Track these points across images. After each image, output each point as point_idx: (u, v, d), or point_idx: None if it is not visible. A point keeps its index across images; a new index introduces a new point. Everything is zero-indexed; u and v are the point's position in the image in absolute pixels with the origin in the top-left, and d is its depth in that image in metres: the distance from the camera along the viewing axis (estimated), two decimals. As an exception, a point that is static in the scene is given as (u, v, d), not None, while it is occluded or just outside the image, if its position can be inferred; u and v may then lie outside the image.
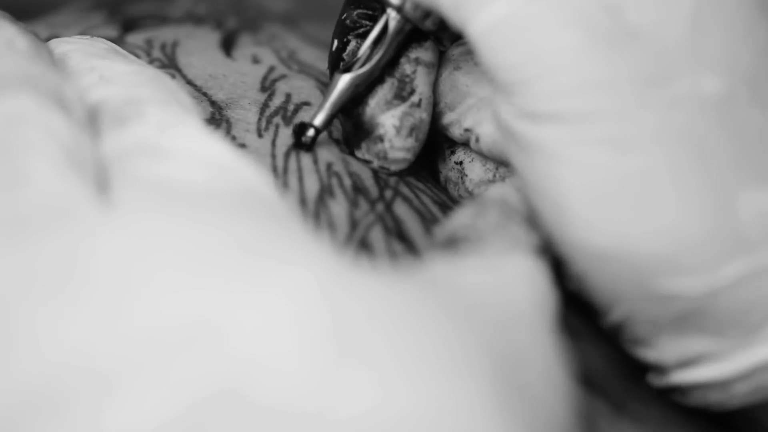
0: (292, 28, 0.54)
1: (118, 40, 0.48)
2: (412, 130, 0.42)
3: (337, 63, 0.42)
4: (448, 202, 0.44)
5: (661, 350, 0.36)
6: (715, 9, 0.34)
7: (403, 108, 0.41)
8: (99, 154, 0.32)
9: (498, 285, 0.30)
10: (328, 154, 0.42)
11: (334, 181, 0.41)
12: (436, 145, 0.45)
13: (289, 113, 0.44)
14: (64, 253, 0.26)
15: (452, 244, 0.33)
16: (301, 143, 0.41)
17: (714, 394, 0.36)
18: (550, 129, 0.34)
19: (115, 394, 0.23)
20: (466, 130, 0.42)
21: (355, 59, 0.41)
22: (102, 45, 0.37)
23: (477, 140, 0.42)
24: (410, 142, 0.42)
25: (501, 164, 0.43)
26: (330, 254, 0.27)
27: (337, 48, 0.42)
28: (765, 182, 0.34)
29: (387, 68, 0.42)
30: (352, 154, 0.43)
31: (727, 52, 0.34)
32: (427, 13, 0.40)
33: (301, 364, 0.24)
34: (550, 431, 0.27)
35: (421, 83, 0.42)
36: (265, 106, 0.44)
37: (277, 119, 0.44)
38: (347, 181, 0.41)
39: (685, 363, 0.36)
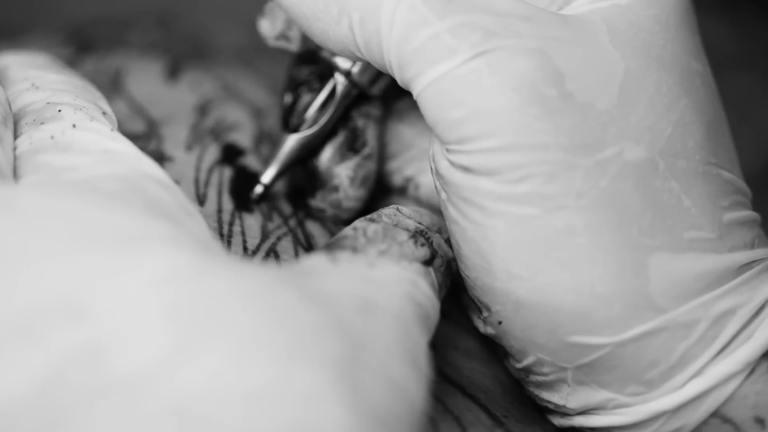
0: (240, 60, 0.57)
1: (72, 59, 0.50)
2: (364, 180, 0.43)
3: (288, 118, 0.43)
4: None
5: (565, 397, 0.38)
6: (639, 83, 0.36)
7: (356, 160, 0.43)
8: (18, 150, 0.34)
9: (369, 279, 0.32)
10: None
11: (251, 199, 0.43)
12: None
13: (218, 132, 0.47)
14: None
15: (334, 248, 0.34)
16: (249, 199, 0.43)
17: None
18: (483, 183, 0.35)
19: None
20: (407, 178, 0.44)
21: (302, 120, 0.43)
22: (41, 59, 0.40)
23: (417, 188, 0.44)
24: (362, 192, 0.43)
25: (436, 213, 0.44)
26: (199, 244, 0.29)
27: (290, 102, 0.43)
28: (675, 251, 0.36)
29: (340, 121, 0.43)
30: (303, 203, 0.44)
31: (649, 125, 0.36)
32: (374, 79, 0.42)
33: (151, 337, 0.26)
34: (400, 413, 0.28)
35: (371, 136, 0.44)
36: (196, 125, 0.47)
37: (207, 138, 0.46)
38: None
39: (586, 411, 0.38)
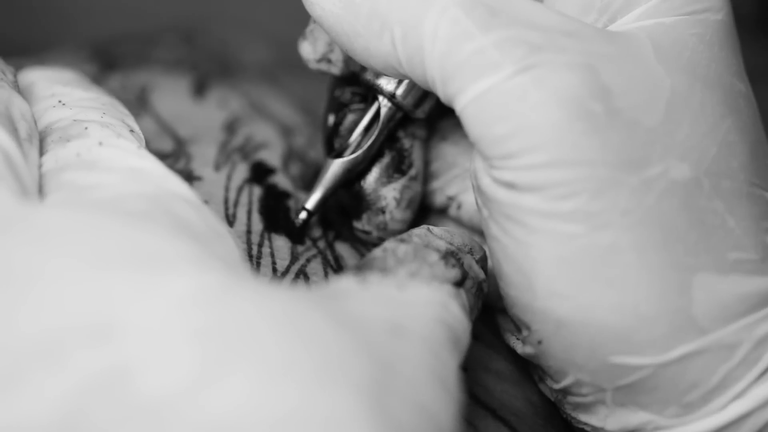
0: (266, 77, 0.57)
1: (97, 76, 0.50)
2: (410, 202, 0.43)
3: (332, 140, 0.43)
4: None
5: (603, 419, 0.38)
6: (685, 102, 0.36)
7: (403, 181, 0.42)
8: (41, 167, 0.34)
9: (399, 301, 0.32)
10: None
11: (282, 219, 0.43)
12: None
13: (247, 151, 0.46)
14: None
15: (363, 269, 0.34)
16: (294, 226, 0.42)
17: None
18: (527, 199, 0.35)
19: (14, 384, 0.25)
20: (449, 197, 0.44)
21: (346, 144, 0.42)
22: (68, 75, 0.39)
23: (459, 207, 0.43)
24: (407, 214, 0.43)
25: (475, 233, 0.44)
26: (226, 266, 0.29)
27: (335, 123, 0.43)
28: (719, 272, 0.35)
29: (386, 142, 0.43)
30: (349, 225, 0.44)
31: (694, 144, 0.35)
32: (418, 101, 0.41)
33: (178, 360, 0.25)
34: None
35: (417, 157, 0.43)
36: (225, 143, 0.46)
37: (235, 156, 0.45)
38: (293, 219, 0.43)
39: None
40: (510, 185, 0.35)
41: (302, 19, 0.43)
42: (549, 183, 0.34)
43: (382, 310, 0.30)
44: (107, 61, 0.53)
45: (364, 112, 0.42)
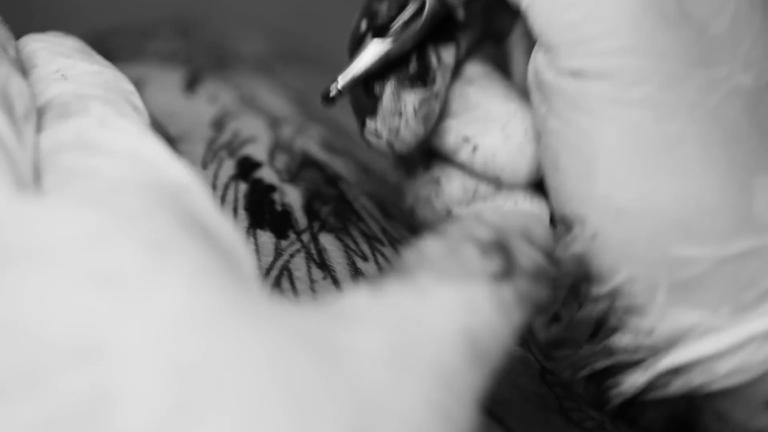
0: (262, 69, 0.57)
1: (91, 71, 0.50)
2: (426, 118, 0.41)
3: (356, 43, 0.41)
4: (378, 236, 0.45)
5: (655, 319, 0.37)
6: (747, 16, 0.37)
7: (424, 93, 0.41)
8: (38, 145, 0.32)
9: (413, 313, 0.29)
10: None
11: (267, 213, 0.43)
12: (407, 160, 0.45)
13: (234, 147, 0.46)
14: None
15: (382, 276, 0.32)
16: (325, 97, 0.40)
17: (698, 376, 0.37)
18: (595, 86, 0.35)
19: None
20: (465, 138, 0.42)
21: (390, 24, 0.41)
22: (71, 43, 0.38)
23: (474, 150, 0.42)
24: (421, 129, 0.41)
25: (486, 183, 0.42)
26: (226, 281, 0.28)
27: (366, 27, 0.41)
28: None
29: (414, 52, 0.41)
30: (361, 123, 0.42)
31: (756, 57, 0.37)
32: (464, 2, 0.41)
33: (153, 393, 0.25)
34: None
35: (440, 79, 0.42)
36: (212, 141, 0.47)
37: (222, 153, 0.46)
38: (278, 212, 0.43)
39: (675, 339, 0.37)
40: (578, 73, 0.36)
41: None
42: (620, 69, 0.35)
43: (385, 335, 0.28)
44: (102, 54, 0.53)
45: (403, 10, 0.41)
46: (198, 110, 0.49)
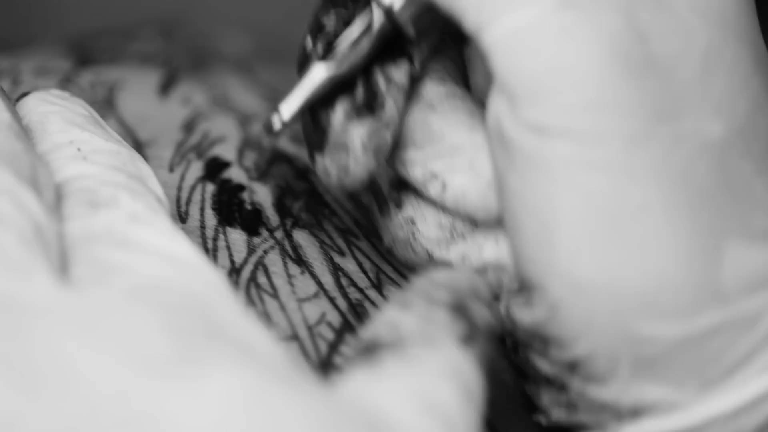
0: (240, 68, 0.57)
1: (71, 73, 0.51)
2: (377, 151, 0.39)
3: (305, 62, 0.39)
4: (352, 229, 0.46)
5: (616, 392, 0.36)
6: (719, 55, 0.34)
7: (372, 124, 0.39)
8: (64, 233, 0.32)
9: (418, 388, 0.30)
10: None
11: (236, 212, 0.43)
12: (377, 198, 0.44)
13: (202, 148, 0.47)
14: (13, 330, 0.27)
15: (372, 350, 0.32)
16: (268, 129, 0.39)
17: None
18: (557, 145, 0.33)
19: None
20: (432, 174, 0.40)
21: (332, 54, 0.38)
22: (81, 110, 0.38)
23: (443, 188, 0.40)
24: (372, 162, 0.39)
25: (461, 220, 0.41)
26: (270, 359, 0.28)
27: (311, 45, 0.39)
28: (746, 239, 0.34)
29: (361, 77, 0.39)
30: (311, 157, 0.40)
31: (728, 99, 0.34)
32: (413, 20, 0.38)
33: None
34: None
35: (390, 103, 0.40)
36: (181, 143, 0.47)
37: (190, 155, 0.46)
38: (248, 211, 0.43)
39: (638, 411, 0.36)
40: (538, 128, 0.34)
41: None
42: (582, 127, 0.33)
43: (411, 399, 0.29)
44: (81, 58, 0.54)
45: (350, 28, 0.39)
46: (170, 113, 0.49)
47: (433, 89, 0.41)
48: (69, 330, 0.28)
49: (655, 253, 0.34)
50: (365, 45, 0.38)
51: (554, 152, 0.33)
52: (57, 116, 0.37)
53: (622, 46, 0.33)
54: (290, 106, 0.38)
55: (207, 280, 0.32)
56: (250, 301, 0.39)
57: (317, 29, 0.39)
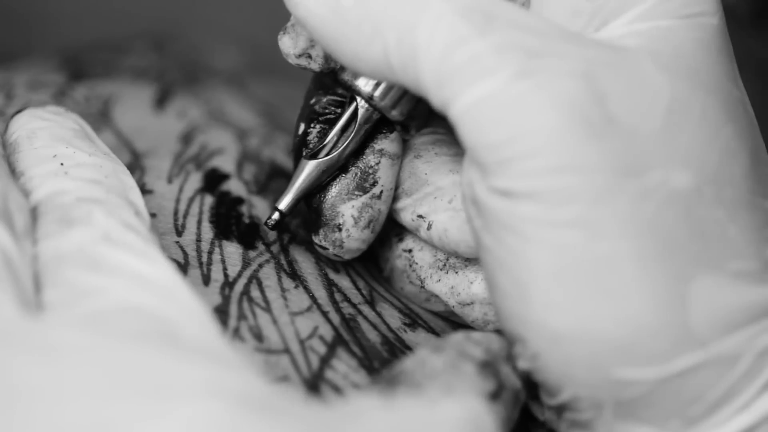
0: (233, 83, 0.58)
1: (65, 87, 0.51)
2: (370, 222, 0.42)
3: (302, 147, 0.42)
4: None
5: None
6: (685, 108, 0.35)
7: (363, 199, 0.42)
8: (38, 254, 0.33)
9: (425, 423, 0.31)
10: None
11: (234, 225, 0.43)
12: (382, 234, 0.46)
13: (201, 160, 0.47)
14: None
15: (392, 384, 0.33)
16: (267, 225, 0.42)
17: None
18: (524, 207, 0.34)
19: None
20: (419, 216, 0.43)
21: (321, 146, 0.42)
22: (71, 125, 0.39)
23: (429, 227, 0.42)
24: (366, 234, 0.43)
25: (454, 255, 0.43)
26: (239, 386, 0.29)
27: (303, 132, 0.43)
28: (720, 282, 0.35)
29: (352, 158, 0.42)
30: (310, 238, 0.43)
31: (696, 150, 0.35)
32: (395, 103, 0.41)
33: None
34: None
35: (384, 175, 0.43)
36: (179, 155, 0.47)
37: (189, 166, 0.46)
38: (246, 225, 0.44)
39: None
40: (506, 193, 0.35)
41: (275, 22, 0.43)
42: (546, 190, 0.34)
43: None
44: (75, 70, 0.54)
45: (337, 119, 0.42)
46: (167, 125, 0.49)
47: (420, 137, 0.44)
48: (33, 359, 0.28)
49: (625, 303, 0.34)
50: (351, 134, 0.42)
51: (523, 214, 0.34)
52: (45, 132, 0.38)
53: (581, 109, 0.34)
54: (285, 201, 0.42)
55: (179, 302, 0.32)
56: (241, 314, 0.39)
57: (311, 116, 0.42)
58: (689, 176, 0.35)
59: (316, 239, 0.43)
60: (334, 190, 0.42)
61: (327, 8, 0.36)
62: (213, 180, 0.46)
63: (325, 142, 0.42)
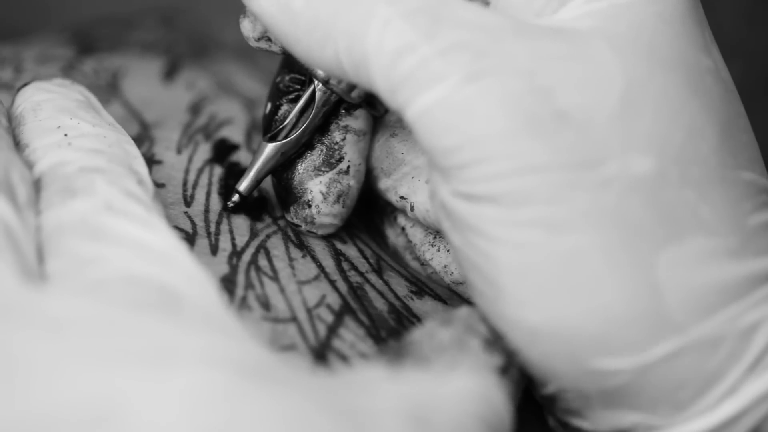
0: (241, 56, 0.58)
1: (73, 60, 0.52)
2: (340, 196, 0.43)
3: (269, 126, 0.43)
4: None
5: (594, 422, 0.37)
6: (643, 90, 0.34)
7: (330, 175, 0.42)
8: (41, 225, 0.33)
9: (432, 396, 0.31)
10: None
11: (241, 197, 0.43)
12: (380, 208, 0.46)
13: (210, 130, 0.47)
14: None
15: (399, 355, 0.34)
16: (227, 207, 0.43)
17: None
18: (486, 210, 0.34)
19: None
20: (402, 197, 0.43)
21: (280, 127, 0.42)
22: (77, 96, 0.39)
23: (412, 208, 0.43)
24: (337, 209, 0.43)
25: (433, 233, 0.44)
26: (240, 354, 0.29)
27: (270, 111, 0.43)
28: (692, 263, 0.34)
29: (317, 135, 0.43)
30: (283, 215, 0.44)
31: (657, 133, 0.34)
32: (353, 86, 0.41)
33: None
34: None
35: (350, 151, 0.43)
36: (188, 125, 0.47)
37: (198, 137, 0.46)
38: (254, 198, 0.44)
39: None
40: (468, 197, 0.35)
41: None
42: (504, 192, 0.34)
43: (404, 408, 0.30)
44: (85, 45, 0.54)
45: (298, 98, 0.42)
46: (175, 97, 0.49)
47: (394, 115, 0.43)
48: (34, 330, 0.28)
49: (595, 295, 0.34)
50: (310, 115, 0.42)
51: (486, 216, 0.34)
52: (49, 104, 0.38)
53: (528, 108, 0.34)
54: (245, 183, 0.42)
55: (181, 270, 0.32)
56: (249, 283, 0.39)
57: (277, 95, 0.43)
58: (650, 161, 0.34)
59: (288, 217, 0.43)
60: (301, 167, 0.42)
61: (277, 8, 0.35)
62: (222, 151, 0.46)
63: (284, 124, 0.42)
